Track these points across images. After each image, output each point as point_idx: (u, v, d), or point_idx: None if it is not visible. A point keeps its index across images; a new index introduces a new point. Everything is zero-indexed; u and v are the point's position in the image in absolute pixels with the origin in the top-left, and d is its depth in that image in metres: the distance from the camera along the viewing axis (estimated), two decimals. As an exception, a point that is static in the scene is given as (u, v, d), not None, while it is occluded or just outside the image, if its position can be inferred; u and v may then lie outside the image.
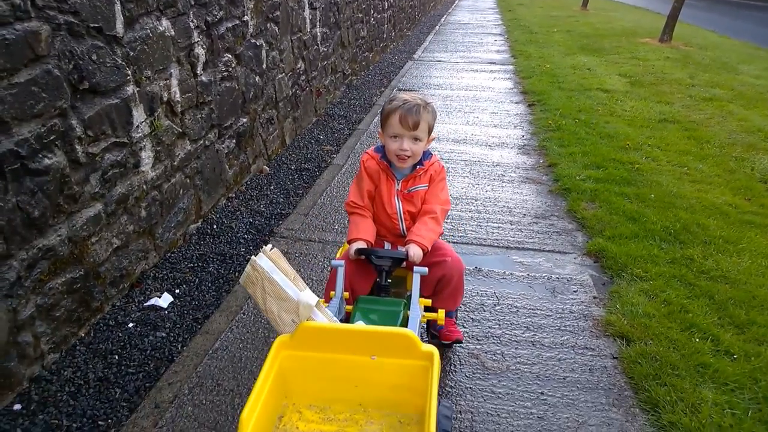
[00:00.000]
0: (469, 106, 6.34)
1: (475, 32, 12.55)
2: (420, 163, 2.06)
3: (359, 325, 1.67)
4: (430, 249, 1.98)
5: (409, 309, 1.85)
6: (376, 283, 1.98)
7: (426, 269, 1.90)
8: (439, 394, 2.01)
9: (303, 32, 5.24)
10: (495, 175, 4.35)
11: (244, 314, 2.59)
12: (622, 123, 5.67)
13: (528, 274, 3.00)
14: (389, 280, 1.95)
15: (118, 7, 2.51)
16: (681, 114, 6.08)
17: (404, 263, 1.95)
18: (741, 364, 2.32)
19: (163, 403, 2.04)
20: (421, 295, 1.92)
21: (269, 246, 1.61)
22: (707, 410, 2.07)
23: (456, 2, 20.43)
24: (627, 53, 9.74)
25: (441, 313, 1.93)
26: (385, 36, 9.60)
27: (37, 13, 2.06)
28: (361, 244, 1.99)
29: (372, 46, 8.61)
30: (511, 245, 3.31)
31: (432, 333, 2.26)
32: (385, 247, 2.14)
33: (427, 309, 2.00)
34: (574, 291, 2.86)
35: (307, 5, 5.29)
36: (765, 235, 3.46)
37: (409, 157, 1.97)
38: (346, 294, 1.92)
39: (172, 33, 2.98)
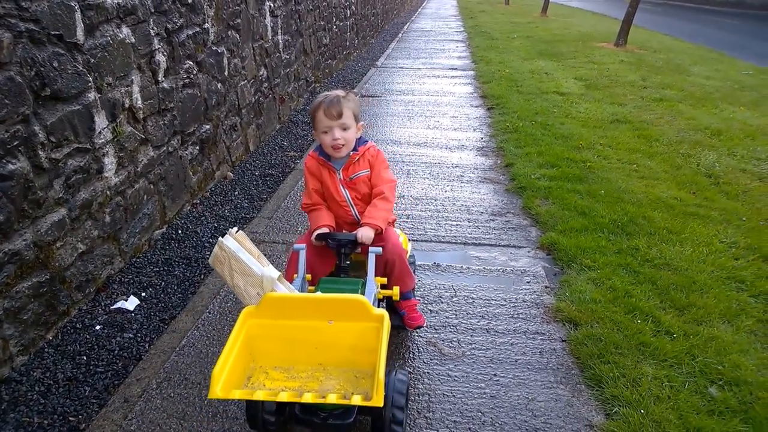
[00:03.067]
0: (431, 111, 6.57)
1: (437, 39, 12.89)
2: (354, 149, 2.23)
3: (317, 294, 1.86)
4: (384, 228, 2.18)
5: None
6: (336, 265, 2.18)
7: (380, 249, 2.11)
8: (396, 365, 2.30)
9: (264, 40, 5.38)
10: (454, 176, 4.56)
11: (209, 313, 2.70)
12: (577, 124, 5.99)
13: (484, 268, 3.20)
14: (348, 262, 2.16)
15: (78, 15, 2.61)
16: (632, 114, 6.45)
17: (360, 248, 2.17)
18: (680, 342, 2.56)
19: (132, 397, 2.14)
20: (377, 275, 2.15)
21: (235, 228, 1.78)
22: (647, 384, 2.29)
23: (419, 10, 20.87)
24: (583, 57, 10.21)
25: (395, 290, 2.20)
26: (348, 43, 9.80)
27: (-2, 21, 2.15)
28: (324, 230, 2.18)
29: (335, 54, 8.79)
30: (469, 241, 3.51)
31: (397, 324, 2.44)
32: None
33: (384, 288, 2.24)
34: (527, 282, 3.07)
35: (268, 13, 5.43)
36: (707, 225, 3.76)
37: (343, 145, 2.15)
38: (309, 276, 2.10)
39: (133, 40, 3.08)
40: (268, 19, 5.46)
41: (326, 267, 2.25)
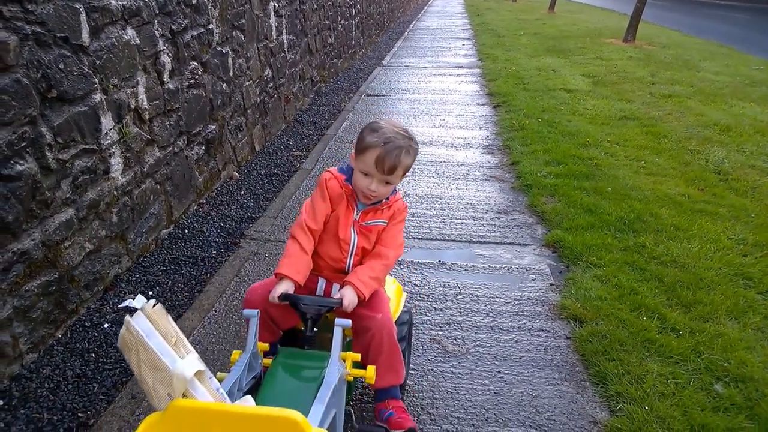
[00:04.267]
0: (436, 109, 6.59)
1: (443, 37, 12.90)
2: (386, 198, 1.88)
3: (241, 402, 1.37)
4: (366, 297, 1.76)
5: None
6: (301, 332, 1.75)
7: (349, 322, 1.66)
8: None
9: (269, 40, 5.42)
10: (459, 174, 4.58)
11: (215, 311, 2.74)
12: (584, 121, 5.98)
13: (489, 266, 3.21)
14: (316, 329, 1.72)
15: (83, 17, 2.65)
16: (640, 111, 6.43)
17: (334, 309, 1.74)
18: (686, 339, 2.56)
19: (140, 394, 2.18)
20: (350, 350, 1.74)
21: (152, 301, 1.33)
22: (651, 380, 2.30)
23: (425, 8, 20.87)
24: (591, 54, 10.17)
25: (370, 371, 1.70)
26: (353, 43, 9.84)
27: (5, 23, 2.18)
28: (288, 285, 1.73)
29: (340, 53, 8.83)
30: (474, 239, 3.52)
31: (379, 425, 1.85)
32: (320, 285, 1.90)
33: (358, 366, 1.75)
34: (533, 279, 3.08)
35: (272, 13, 5.47)
36: (715, 221, 3.75)
37: (376, 196, 1.81)
38: (265, 345, 1.71)
39: (138, 42, 3.13)
40: (273, 19, 5.50)
41: (292, 319, 1.83)
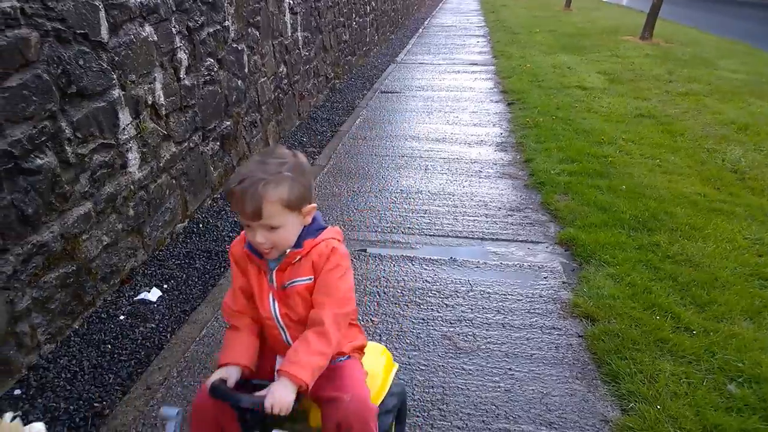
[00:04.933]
0: (450, 106, 6.57)
1: (458, 34, 12.84)
2: (297, 244, 1.41)
3: None
4: (311, 384, 1.33)
5: None
6: None
7: None
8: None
9: (284, 37, 5.44)
10: (473, 172, 4.56)
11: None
12: (599, 119, 5.91)
13: (501, 263, 3.20)
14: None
15: (102, 14, 2.68)
16: (657, 109, 6.34)
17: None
18: (699, 339, 2.53)
19: (154, 384, 2.22)
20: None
21: (8, 414, 1.15)
22: (664, 380, 2.28)
23: (440, 5, 20.78)
24: (607, 51, 10.05)
25: None
26: (368, 40, 9.83)
27: (27, 20, 2.22)
28: (230, 372, 1.39)
29: (355, 50, 8.83)
30: (486, 236, 3.51)
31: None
32: (279, 363, 1.46)
33: None
34: (545, 277, 3.06)
35: (287, 10, 5.49)
36: (731, 221, 3.69)
37: (272, 248, 1.38)
38: None
39: (155, 38, 3.16)
40: (288, 16, 5.52)
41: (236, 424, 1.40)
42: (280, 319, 1.47)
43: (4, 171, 2.16)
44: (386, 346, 2.46)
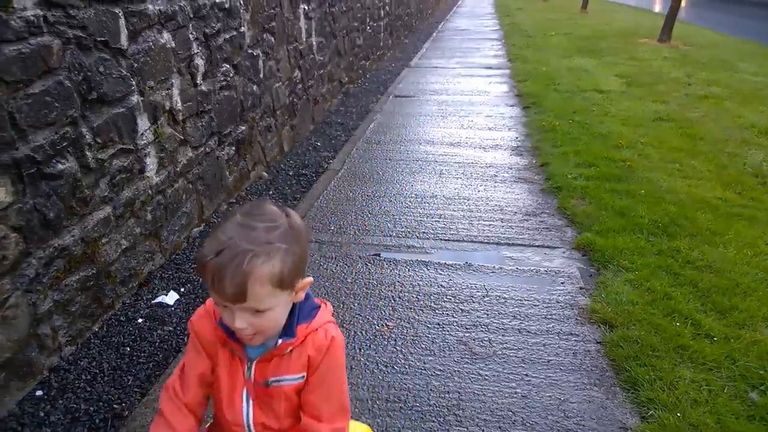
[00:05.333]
0: (465, 110, 6.57)
1: (472, 38, 12.84)
2: (287, 332, 1.11)
3: None
4: None
5: None
6: None
7: None
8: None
9: (299, 42, 5.50)
10: (488, 176, 4.56)
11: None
12: (617, 123, 5.87)
13: (517, 268, 3.19)
14: None
15: (122, 22, 2.74)
16: (676, 112, 6.28)
17: None
18: (720, 346, 2.50)
19: None
20: None
21: None
22: (684, 387, 2.26)
23: (454, 9, 20.81)
24: (625, 54, 9.98)
25: None
26: (381, 44, 9.88)
27: (49, 28, 2.28)
28: None
29: (369, 55, 8.88)
30: (502, 241, 3.50)
31: None
32: None
33: None
34: (562, 282, 3.05)
35: (302, 15, 5.55)
36: (752, 226, 3.64)
37: (254, 334, 1.05)
38: None
39: (173, 45, 3.22)
40: (303, 21, 5.58)
41: None
42: (252, 427, 1.14)
43: (27, 176, 2.21)
44: (401, 351, 2.49)
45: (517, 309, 2.81)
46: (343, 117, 6.43)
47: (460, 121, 6.17)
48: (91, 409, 2.17)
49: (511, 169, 4.72)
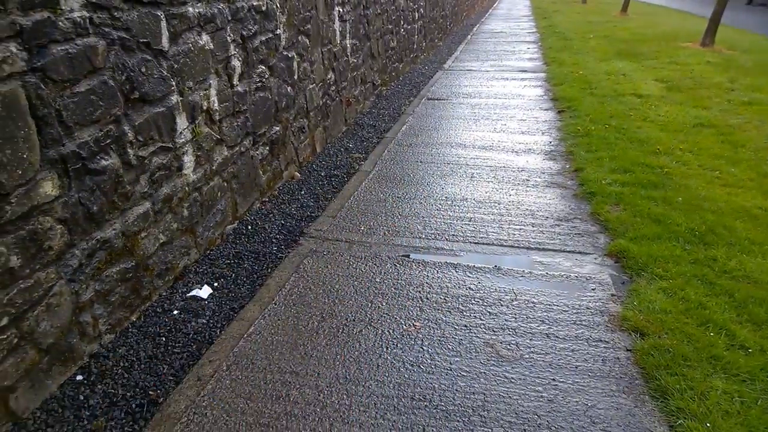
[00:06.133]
0: (498, 114, 6.56)
1: (507, 41, 12.78)
2: None
3: None
4: None
5: None
6: None
7: None
8: None
9: (333, 44, 5.60)
10: (519, 180, 4.55)
11: (275, 304, 2.89)
12: (655, 128, 5.77)
13: (547, 273, 3.19)
14: None
15: (163, 24, 2.87)
16: (717, 118, 6.13)
17: None
18: (755, 358, 2.46)
19: (205, 376, 2.36)
20: None
21: None
22: (716, 397, 2.23)
23: (489, 12, 20.71)
24: (665, 58, 9.77)
25: None
26: (415, 47, 9.94)
27: (95, 29, 2.41)
28: None
29: (402, 57, 8.95)
30: (532, 246, 3.50)
31: None
32: None
33: None
34: (593, 289, 3.03)
35: (337, 18, 5.65)
36: (796, 237, 3.54)
37: None
38: None
39: (211, 47, 3.34)
40: (337, 23, 5.69)
41: None
42: None
43: (73, 171, 2.35)
44: (427, 351, 2.53)
45: (545, 314, 2.82)
46: (375, 119, 6.51)
47: (493, 124, 6.16)
48: (128, 394, 2.29)
49: (543, 173, 4.70)
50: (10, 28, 2.03)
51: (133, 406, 2.24)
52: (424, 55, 10.69)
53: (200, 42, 3.22)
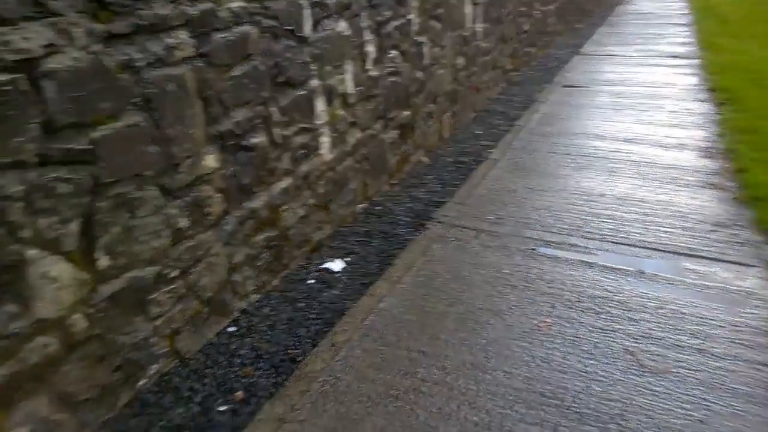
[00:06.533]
0: (643, 104, 6.09)
1: (655, 23, 11.76)
2: None
3: None
4: None
5: None
6: None
7: None
8: None
9: (464, 29, 5.55)
10: (668, 178, 4.20)
11: (403, 285, 2.99)
12: (841, 126, 5.01)
13: (700, 283, 2.92)
14: None
15: (306, 12, 3.05)
16: None
17: None
18: None
19: (338, 343, 2.55)
20: None
21: None
22: None
23: (635, -10, 19.18)
24: None
25: None
26: (550, 29, 9.52)
27: (249, 18, 2.65)
28: None
29: (535, 41, 8.62)
30: (682, 251, 3.22)
31: None
32: None
33: None
34: (755, 306, 2.73)
35: (468, 2, 5.59)
36: None
37: None
38: None
39: (348, 33, 3.48)
40: (469, 7, 5.62)
41: None
42: None
43: (229, 146, 2.60)
44: (559, 349, 2.46)
45: (697, 327, 2.59)
46: (505, 106, 6.36)
47: (637, 115, 5.73)
48: (272, 349, 2.55)
49: (697, 172, 4.29)
50: (182, 17, 2.28)
51: (277, 360, 2.48)
52: (559, 38, 10.20)
53: (338, 28, 3.37)
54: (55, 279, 1.90)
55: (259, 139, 2.78)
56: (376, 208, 3.92)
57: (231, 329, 2.68)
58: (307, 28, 3.08)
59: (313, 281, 3.06)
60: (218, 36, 2.47)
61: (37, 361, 1.87)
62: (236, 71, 2.60)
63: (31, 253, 1.82)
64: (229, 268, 2.68)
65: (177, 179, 2.34)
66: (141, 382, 2.29)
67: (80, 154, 1.94)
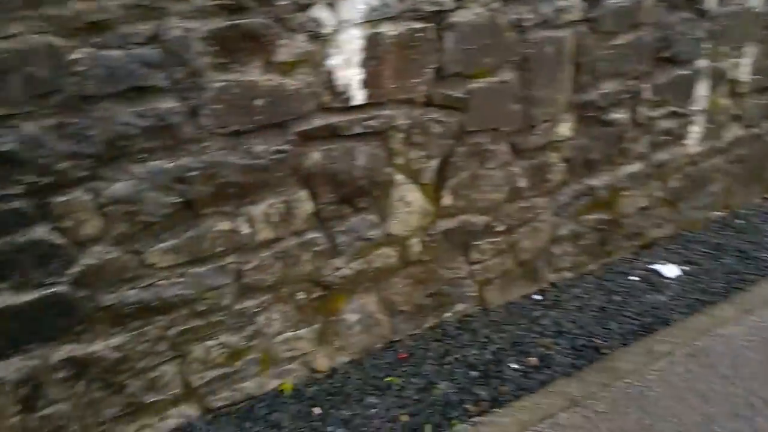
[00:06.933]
0: None
1: None
2: None
3: None
4: None
5: None
6: None
7: None
8: None
9: None
10: None
11: (756, 318, 2.56)
12: None
13: None
14: None
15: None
16: None
17: None
18: None
19: (656, 353, 2.36)
20: None
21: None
22: None
23: None
24: None
25: None
26: None
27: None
28: None
29: None
30: None
31: None
32: None
33: None
34: None
35: None
36: None
37: None
38: None
39: (762, 9, 2.98)
40: None
41: None
42: None
43: (588, 118, 2.60)
44: None
45: None
46: None
47: None
48: (576, 331, 2.52)
49: None
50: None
51: (578, 343, 2.44)
52: None
53: (750, 3, 2.93)
54: (409, 204, 2.26)
55: (620, 115, 2.68)
56: (737, 221, 3.40)
57: (536, 297, 2.74)
58: (713, 1, 2.77)
59: (636, 279, 2.88)
60: (611, 2, 2.43)
61: (380, 266, 2.28)
62: (619, 40, 2.53)
63: (398, 177, 2.20)
64: (551, 238, 2.72)
65: (529, 140, 2.46)
66: (446, 314, 2.56)
67: (456, 101, 2.22)
